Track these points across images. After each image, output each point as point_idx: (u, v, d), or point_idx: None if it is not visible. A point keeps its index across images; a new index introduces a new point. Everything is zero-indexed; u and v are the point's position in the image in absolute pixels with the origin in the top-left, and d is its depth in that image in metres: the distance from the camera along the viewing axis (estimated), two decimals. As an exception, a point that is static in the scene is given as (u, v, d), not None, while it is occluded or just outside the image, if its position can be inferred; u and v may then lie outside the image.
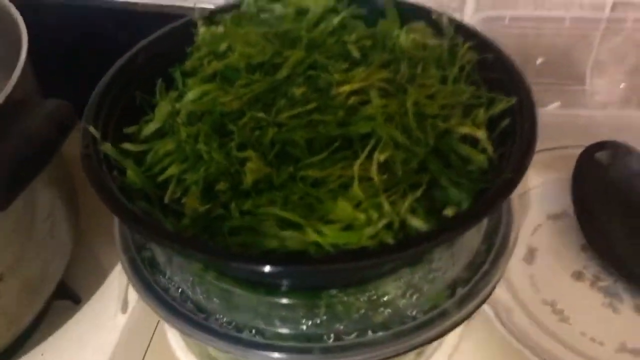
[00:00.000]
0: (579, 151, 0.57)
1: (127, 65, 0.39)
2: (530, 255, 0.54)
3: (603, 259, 0.53)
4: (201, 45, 0.39)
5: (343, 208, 0.29)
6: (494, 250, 0.37)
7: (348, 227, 0.29)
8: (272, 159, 0.31)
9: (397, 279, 0.34)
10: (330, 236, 0.29)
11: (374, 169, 0.30)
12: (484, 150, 0.33)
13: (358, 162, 0.30)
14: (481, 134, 0.33)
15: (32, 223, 0.47)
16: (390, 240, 0.29)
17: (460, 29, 0.40)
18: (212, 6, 0.43)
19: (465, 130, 0.33)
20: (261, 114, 0.32)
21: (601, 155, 0.56)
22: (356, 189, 0.30)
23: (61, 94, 0.44)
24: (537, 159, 0.59)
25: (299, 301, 0.33)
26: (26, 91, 0.43)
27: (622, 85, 0.68)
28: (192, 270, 0.35)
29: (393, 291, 0.34)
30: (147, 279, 0.35)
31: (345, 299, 0.33)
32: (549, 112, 0.64)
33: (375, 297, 0.33)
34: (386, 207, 0.29)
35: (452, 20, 0.40)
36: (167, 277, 0.36)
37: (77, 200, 0.55)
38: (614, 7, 0.64)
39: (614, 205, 0.54)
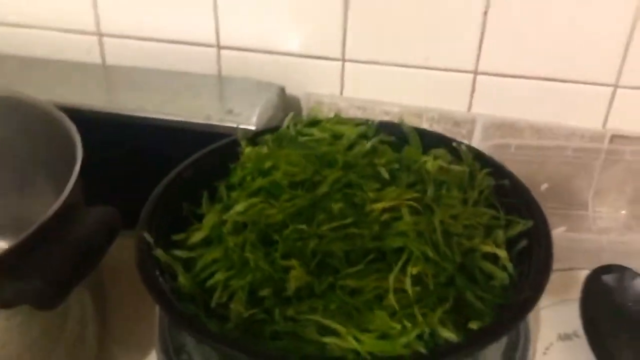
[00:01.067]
0: (585, 273, 0.59)
1: (177, 178, 0.43)
2: (544, 374, 0.55)
3: (614, 380, 0.54)
4: (245, 163, 0.43)
5: (380, 317, 0.32)
6: (514, 366, 0.39)
7: (383, 335, 0.32)
8: (314, 268, 0.34)
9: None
10: (367, 344, 0.31)
11: (407, 281, 0.33)
12: (504, 268, 0.36)
13: (392, 274, 0.33)
14: (502, 253, 0.36)
15: (63, 326, 0.49)
16: (422, 349, 0.31)
17: (478, 156, 0.45)
18: (253, 128, 0.47)
19: (487, 249, 0.36)
20: (303, 226, 0.35)
21: (608, 278, 0.58)
22: (391, 300, 0.32)
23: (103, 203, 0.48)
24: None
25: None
26: (77, 198, 0.47)
27: (623, 212, 0.72)
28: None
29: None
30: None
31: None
32: (555, 235, 0.68)
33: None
34: (419, 317, 0.32)
35: (470, 148, 0.45)
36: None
37: (106, 306, 0.57)
38: (612, 139, 0.70)
39: (622, 327, 0.56)
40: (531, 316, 0.42)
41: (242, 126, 0.51)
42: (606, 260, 0.60)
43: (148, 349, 0.57)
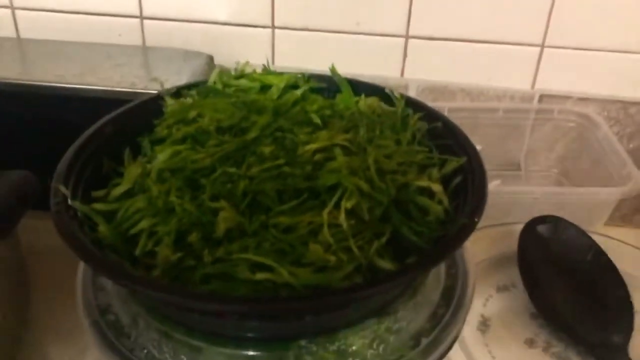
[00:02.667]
0: (519, 227, 0.60)
1: (96, 135, 0.40)
2: (484, 325, 0.55)
3: (552, 326, 0.55)
4: (169, 116, 0.41)
5: (314, 251, 0.30)
6: (454, 302, 0.38)
7: (319, 269, 0.30)
8: (244, 209, 0.32)
9: (364, 329, 0.34)
10: (303, 278, 0.30)
11: (342, 215, 0.32)
12: (440, 203, 0.36)
13: (326, 209, 0.32)
14: (437, 187, 0.36)
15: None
16: (359, 280, 0.30)
17: (410, 102, 0.44)
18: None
19: (422, 183, 0.36)
20: (232, 169, 0.34)
21: (542, 229, 0.59)
22: (326, 234, 0.31)
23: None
24: (481, 235, 0.62)
25: (267, 353, 0.33)
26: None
27: (554, 170, 0.74)
28: (158, 328, 0.34)
29: (360, 341, 0.34)
30: (111, 341, 0.35)
31: (315, 348, 0.33)
32: (490, 191, 0.68)
33: (344, 347, 0.34)
34: (355, 250, 0.31)
35: (402, 95, 0.44)
36: (132, 339, 0.35)
37: (29, 291, 0.53)
38: (541, 99, 0.71)
39: (558, 274, 0.57)
40: (470, 262, 0.42)
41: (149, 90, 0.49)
42: (538, 214, 0.61)
43: (76, 335, 0.55)
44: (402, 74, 0.73)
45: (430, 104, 0.73)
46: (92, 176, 0.38)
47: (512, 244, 0.60)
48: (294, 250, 0.31)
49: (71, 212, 0.34)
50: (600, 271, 0.56)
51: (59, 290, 0.56)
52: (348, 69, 0.67)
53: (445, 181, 0.38)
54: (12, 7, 0.71)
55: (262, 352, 0.33)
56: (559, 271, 0.57)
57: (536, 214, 0.61)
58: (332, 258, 0.30)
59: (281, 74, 0.46)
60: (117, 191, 0.37)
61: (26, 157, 0.57)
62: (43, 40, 0.69)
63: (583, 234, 0.59)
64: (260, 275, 0.29)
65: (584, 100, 0.71)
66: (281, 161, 0.34)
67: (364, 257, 0.31)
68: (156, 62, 0.66)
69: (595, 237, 0.59)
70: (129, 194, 0.37)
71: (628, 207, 0.70)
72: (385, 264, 0.31)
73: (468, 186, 0.37)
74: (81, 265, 0.40)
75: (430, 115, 0.43)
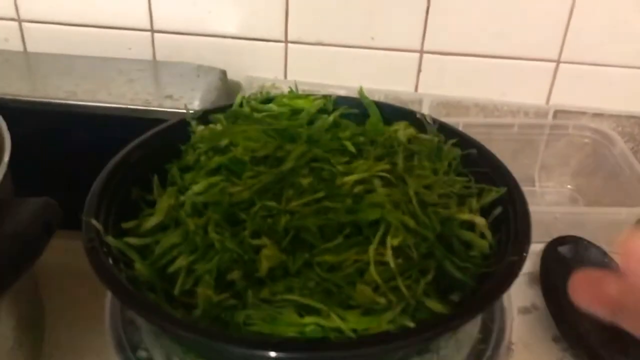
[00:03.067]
0: (536, 247, 0.59)
1: (124, 161, 0.39)
2: (508, 349, 0.54)
3: (576, 349, 0.54)
4: (198, 142, 0.40)
5: (363, 292, 0.29)
6: (493, 337, 0.37)
7: (368, 311, 0.29)
8: (287, 246, 0.31)
9: (406, 368, 0.33)
10: (351, 321, 0.29)
11: (389, 253, 0.31)
12: (482, 236, 0.35)
13: (372, 246, 0.31)
14: (480, 220, 0.35)
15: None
16: (409, 323, 0.29)
17: (442, 127, 0.43)
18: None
19: (464, 216, 0.35)
20: (272, 203, 0.33)
21: (563, 249, 0.59)
22: (373, 273, 0.30)
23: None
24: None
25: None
26: (8, 193, 0.42)
27: (568, 186, 0.73)
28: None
29: (404, 380, 0.33)
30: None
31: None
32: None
33: (387, 386, 0.33)
34: (404, 290, 0.30)
35: (434, 120, 0.43)
36: (166, 376, 0.34)
37: (43, 312, 0.52)
38: (555, 115, 0.71)
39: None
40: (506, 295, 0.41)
41: (184, 110, 0.47)
42: (557, 233, 0.60)
43: (89, 354, 0.53)
44: (416, 89, 0.72)
45: (444, 119, 0.73)
46: (121, 206, 0.37)
47: (532, 264, 0.59)
48: (340, 290, 0.30)
49: (105, 248, 0.32)
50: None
51: (74, 312, 0.55)
52: (362, 83, 0.66)
53: (483, 212, 0.37)
54: (19, 20, 0.69)
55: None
56: (581, 293, 0.56)
57: (554, 233, 0.60)
58: (382, 300, 0.29)
59: (308, 96, 0.45)
60: (150, 223, 0.35)
61: (38, 176, 0.56)
62: (51, 55, 0.68)
63: (604, 254, 0.58)
64: (309, 319, 0.28)
65: (598, 115, 0.71)
66: (321, 194, 0.33)
67: (412, 297, 0.30)
68: (168, 78, 0.64)
69: (616, 258, 0.59)
70: (161, 226, 0.35)
71: (645, 225, 0.69)
72: (435, 305, 0.30)
73: (510, 217, 0.36)
74: (108, 298, 0.38)
75: (464, 141, 0.42)
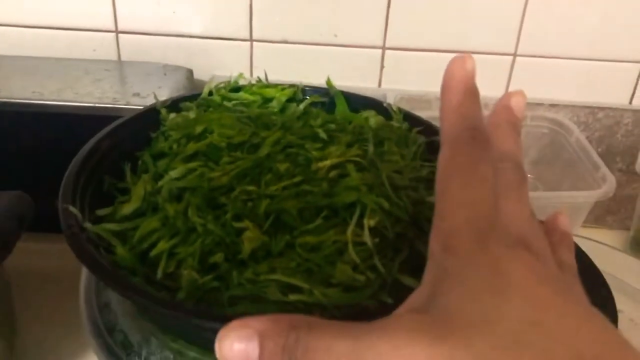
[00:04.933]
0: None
1: (94, 151, 0.39)
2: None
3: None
4: (170, 130, 0.41)
5: (343, 270, 0.30)
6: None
7: (348, 288, 0.30)
8: (268, 228, 0.32)
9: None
10: (334, 298, 0.30)
11: (366, 233, 0.32)
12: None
13: (350, 227, 0.32)
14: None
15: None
16: (387, 299, 0.30)
17: (407, 116, 0.45)
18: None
19: (433, 199, 0.36)
20: (252, 187, 0.34)
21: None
22: (352, 253, 0.31)
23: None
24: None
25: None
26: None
27: (530, 176, 0.76)
28: (171, 346, 0.34)
29: None
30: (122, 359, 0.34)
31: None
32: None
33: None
34: (381, 268, 0.31)
35: (400, 109, 0.45)
36: (143, 357, 0.34)
37: (14, 312, 0.52)
38: (514, 107, 0.73)
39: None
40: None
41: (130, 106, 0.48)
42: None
43: (63, 352, 0.53)
44: (379, 84, 0.74)
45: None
46: (94, 194, 0.37)
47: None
48: (321, 270, 0.31)
49: (85, 235, 0.33)
50: (582, 271, 0.58)
51: (45, 311, 0.55)
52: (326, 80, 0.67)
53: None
54: (-21, 22, 0.68)
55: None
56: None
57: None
58: (362, 277, 0.30)
59: (277, 86, 0.46)
60: (126, 210, 0.36)
61: (6, 176, 0.55)
62: (15, 57, 0.67)
63: (565, 237, 0.61)
64: (293, 297, 0.29)
65: (555, 106, 0.74)
66: (298, 178, 0.34)
67: (388, 274, 0.31)
68: (135, 77, 0.64)
69: (574, 239, 0.61)
70: (137, 213, 0.36)
71: (601, 208, 0.72)
72: (410, 281, 0.31)
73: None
74: (83, 285, 0.38)
75: (428, 129, 0.44)
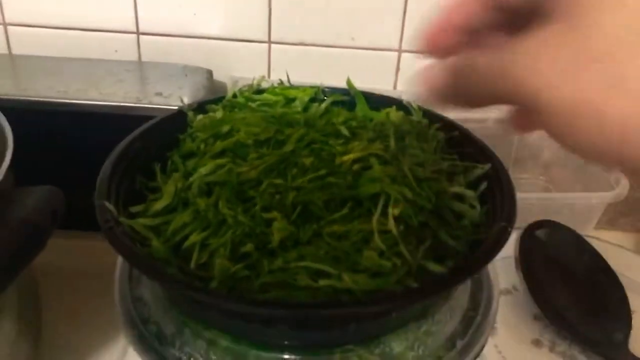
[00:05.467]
0: (516, 232, 0.63)
1: (127, 151, 0.40)
2: (492, 328, 0.57)
3: (555, 325, 0.57)
4: (197, 131, 0.42)
5: (370, 257, 0.32)
6: (482, 305, 0.40)
7: (375, 274, 0.32)
8: (295, 219, 0.33)
9: (406, 332, 0.36)
10: (362, 283, 0.31)
11: (391, 222, 0.33)
12: (473, 207, 0.38)
13: (375, 216, 0.33)
14: (470, 193, 0.37)
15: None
16: (413, 283, 0.32)
17: (427, 113, 0.46)
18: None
19: (455, 189, 0.37)
20: (279, 180, 0.35)
21: (540, 233, 0.62)
22: (377, 241, 0.32)
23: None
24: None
25: (314, 358, 0.34)
26: (11, 182, 0.43)
27: (541, 178, 0.77)
28: (205, 336, 0.35)
29: (403, 344, 0.35)
30: (158, 351, 0.35)
31: (361, 352, 0.34)
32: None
33: (388, 349, 0.35)
34: (406, 254, 0.32)
35: (419, 106, 0.46)
36: (177, 347, 0.36)
37: (41, 308, 0.53)
38: (527, 109, 0.74)
39: (557, 276, 0.60)
40: (492, 268, 0.44)
41: (175, 107, 0.49)
42: (533, 219, 0.64)
43: (88, 351, 0.54)
44: (394, 87, 0.75)
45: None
46: (126, 193, 0.38)
47: (510, 249, 0.62)
48: (348, 257, 0.32)
49: (120, 229, 0.34)
50: (597, 272, 0.59)
51: (72, 313, 0.56)
52: (343, 82, 0.69)
53: (470, 187, 0.40)
54: (5, 24, 0.70)
55: (310, 356, 0.34)
56: (558, 273, 0.60)
57: (530, 219, 0.64)
58: (387, 263, 0.31)
59: (299, 87, 0.47)
60: (158, 206, 0.37)
61: (33, 174, 0.57)
62: (37, 57, 0.69)
63: (578, 237, 0.62)
64: (323, 282, 0.30)
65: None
66: (323, 172, 0.36)
67: (414, 261, 0.32)
68: (157, 78, 0.66)
69: (588, 240, 0.62)
70: (168, 209, 0.37)
71: (613, 211, 0.73)
72: (435, 267, 0.33)
73: (495, 191, 0.38)
74: (117, 279, 0.40)
75: (447, 124, 0.45)
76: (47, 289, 0.54)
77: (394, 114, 0.43)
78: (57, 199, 0.42)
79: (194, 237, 0.34)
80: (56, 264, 0.54)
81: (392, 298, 0.31)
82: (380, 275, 0.31)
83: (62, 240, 0.49)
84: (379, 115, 0.44)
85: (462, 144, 0.43)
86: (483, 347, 0.39)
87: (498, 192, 0.38)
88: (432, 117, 0.45)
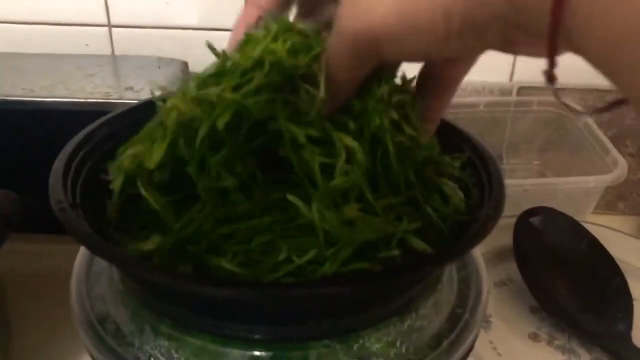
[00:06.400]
0: (510, 221, 0.60)
1: (87, 139, 0.38)
2: (486, 322, 0.55)
3: (554, 319, 0.54)
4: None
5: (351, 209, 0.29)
6: (471, 300, 0.37)
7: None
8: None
9: (387, 327, 0.33)
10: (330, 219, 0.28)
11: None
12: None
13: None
14: (456, 169, 0.35)
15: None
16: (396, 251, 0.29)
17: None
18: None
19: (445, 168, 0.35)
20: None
21: (535, 221, 0.59)
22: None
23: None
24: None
25: (289, 353, 0.31)
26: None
27: (535, 162, 0.74)
28: (167, 333, 0.32)
29: (384, 339, 0.33)
30: (115, 350, 0.32)
31: (338, 347, 0.31)
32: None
33: (367, 344, 0.32)
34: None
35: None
36: (136, 347, 0.33)
37: (8, 314, 0.50)
38: (519, 91, 0.71)
39: (555, 266, 0.57)
40: (480, 262, 0.41)
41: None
42: (527, 206, 0.61)
43: (58, 357, 0.52)
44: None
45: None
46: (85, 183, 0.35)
47: (504, 239, 0.59)
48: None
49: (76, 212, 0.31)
50: (596, 259, 0.56)
51: (41, 316, 0.54)
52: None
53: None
54: (-31, 20, 0.67)
55: (283, 353, 0.31)
56: (555, 262, 0.57)
57: (525, 207, 0.60)
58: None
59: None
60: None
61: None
62: (4, 53, 0.66)
63: (575, 223, 0.59)
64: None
65: (561, 90, 0.71)
66: None
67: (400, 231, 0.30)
68: (128, 71, 0.63)
69: (585, 226, 0.59)
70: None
71: (612, 194, 0.70)
72: (420, 244, 0.30)
73: (483, 182, 0.36)
74: (74, 277, 0.37)
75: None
76: (14, 294, 0.51)
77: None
78: (11, 204, 0.39)
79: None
80: (22, 268, 0.52)
81: (371, 276, 0.28)
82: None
83: (28, 243, 0.46)
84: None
85: (445, 135, 0.40)
86: (472, 346, 0.36)
87: (485, 178, 0.35)
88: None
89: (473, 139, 0.40)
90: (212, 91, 0.28)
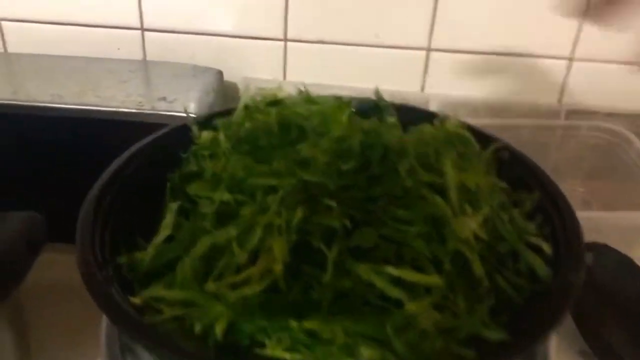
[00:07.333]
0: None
1: (119, 172, 0.35)
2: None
3: (604, 361, 0.51)
4: (202, 150, 0.36)
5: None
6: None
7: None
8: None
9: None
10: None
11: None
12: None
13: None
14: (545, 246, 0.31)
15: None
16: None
17: (471, 129, 0.40)
18: (193, 115, 0.40)
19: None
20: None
21: (586, 257, 0.55)
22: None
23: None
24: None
25: None
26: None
27: (581, 190, 0.70)
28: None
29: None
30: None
31: None
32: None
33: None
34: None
35: (460, 121, 0.40)
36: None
37: (28, 330, 0.48)
38: (567, 115, 0.68)
39: (608, 307, 0.53)
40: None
41: (179, 114, 0.43)
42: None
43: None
44: (422, 88, 0.69)
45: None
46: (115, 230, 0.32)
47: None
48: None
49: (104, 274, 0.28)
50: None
51: (61, 330, 0.51)
52: (365, 83, 0.62)
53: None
54: (-2, 18, 0.65)
55: None
56: (609, 303, 0.53)
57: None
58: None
59: (321, 97, 0.41)
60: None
61: (22, 187, 0.52)
62: (34, 55, 0.63)
63: (630, 261, 0.55)
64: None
65: (612, 115, 0.68)
66: None
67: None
68: (162, 79, 0.60)
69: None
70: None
71: (664, 229, 0.66)
72: (498, 335, 0.26)
73: (557, 229, 0.32)
74: (104, 322, 0.34)
75: (491, 141, 0.39)
76: (34, 306, 0.49)
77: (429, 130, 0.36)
78: (39, 229, 0.36)
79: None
80: (44, 279, 0.49)
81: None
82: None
83: (53, 253, 0.44)
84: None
85: (511, 166, 0.37)
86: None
87: (561, 230, 0.32)
88: (476, 135, 0.39)
89: (545, 178, 0.36)
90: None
